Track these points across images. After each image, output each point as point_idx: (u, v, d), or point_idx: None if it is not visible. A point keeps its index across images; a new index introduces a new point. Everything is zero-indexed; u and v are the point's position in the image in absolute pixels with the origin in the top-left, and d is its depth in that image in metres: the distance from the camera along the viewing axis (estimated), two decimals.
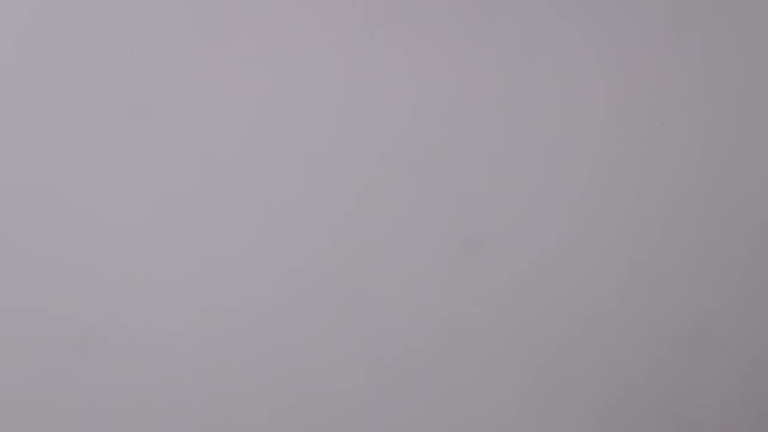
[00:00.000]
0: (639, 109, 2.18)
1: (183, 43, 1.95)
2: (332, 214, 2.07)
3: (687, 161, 2.21)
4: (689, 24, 2.18)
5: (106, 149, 1.93)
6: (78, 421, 1.99)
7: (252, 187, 2.02)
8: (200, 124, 1.98)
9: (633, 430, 2.28)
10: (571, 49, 2.13)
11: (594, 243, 2.20)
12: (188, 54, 1.95)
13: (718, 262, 2.26)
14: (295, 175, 2.04)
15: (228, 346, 2.06)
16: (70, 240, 1.94)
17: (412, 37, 2.06)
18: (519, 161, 2.14)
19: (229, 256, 2.03)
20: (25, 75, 1.88)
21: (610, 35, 2.14)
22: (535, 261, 2.18)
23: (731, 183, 2.24)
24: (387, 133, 2.08)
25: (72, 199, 1.93)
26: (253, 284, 2.05)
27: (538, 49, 2.12)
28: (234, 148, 2.00)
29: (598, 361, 2.24)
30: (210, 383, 2.06)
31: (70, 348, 1.97)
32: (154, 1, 1.92)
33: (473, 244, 2.15)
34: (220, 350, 2.05)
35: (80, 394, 1.99)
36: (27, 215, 1.91)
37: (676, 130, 2.20)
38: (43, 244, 1.93)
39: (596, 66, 2.15)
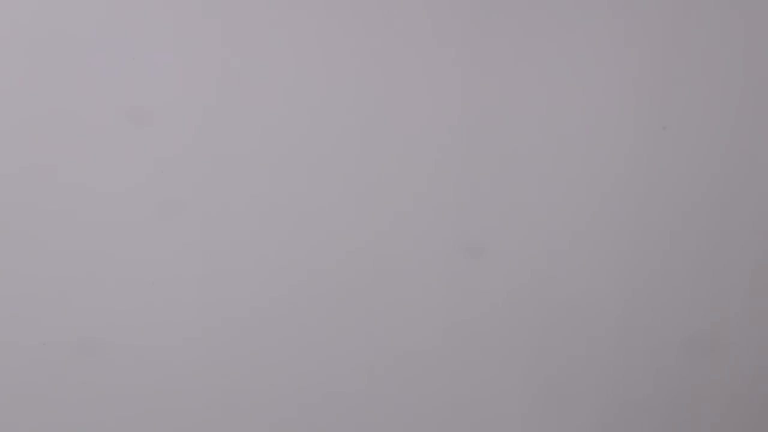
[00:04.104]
0: (640, 114, 2.18)
1: (184, 48, 1.95)
2: (335, 218, 2.07)
3: (688, 165, 2.21)
4: (689, 28, 2.18)
5: (107, 154, 1.94)
6: (79, 424, 1.99)
7: (254, 192, 2.03)
8: (201, 128, 1.98)
9: None
10: (572, 53, 2.14)
11: (597, 247, 2.20)
12: (190, 58, 1.96)
13: (721, 265, 2.26)
14: (298, 179, 2.04)
15: (230, 348, 2.06)
16: (71, 244, 1.94)
17: (414, 38, 2.06)
18: (521, 166, 2.14)
19: (231, 260, 2.03)
20: (27, 79, 1.88)
21: (611, 38, 2.14)
22: (537, 265, 2.18)
23: (733, 186, 2.24)
24: (389, 137, 2.08)
25: (73, 203, 1.93)
26: (254, 288, 2.05)
27: (540, 52, 2.12)
28: (235, 153, 2.00)
29: (601, 365, 2.24)
30: (212, 386, 2.06)
31: (72, 352, 1.97)
32: (156, 5, 1.93)
33: (477, 248, 2.15)
34: (222, 353, 2.05)
35: (82, 398, 1.99)
36: (28, 218, 1.92)
37: (677, 134, 2.20)
38: (45, 248, 1.94)
39: (598, 70, 2.15)
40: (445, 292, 2.15)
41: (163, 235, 1.99)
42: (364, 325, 2.12)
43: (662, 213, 2.21)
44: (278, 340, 2.08)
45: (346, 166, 2.06)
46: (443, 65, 2.08)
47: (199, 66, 1.96)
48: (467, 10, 2.08)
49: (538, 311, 2.19)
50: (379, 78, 2.06)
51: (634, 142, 2.18)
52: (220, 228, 2.02)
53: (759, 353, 2.30)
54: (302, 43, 2.01)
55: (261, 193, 2.03)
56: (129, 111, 1.94)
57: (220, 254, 2.02)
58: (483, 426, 2.21)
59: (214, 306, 2.03)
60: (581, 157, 2.17)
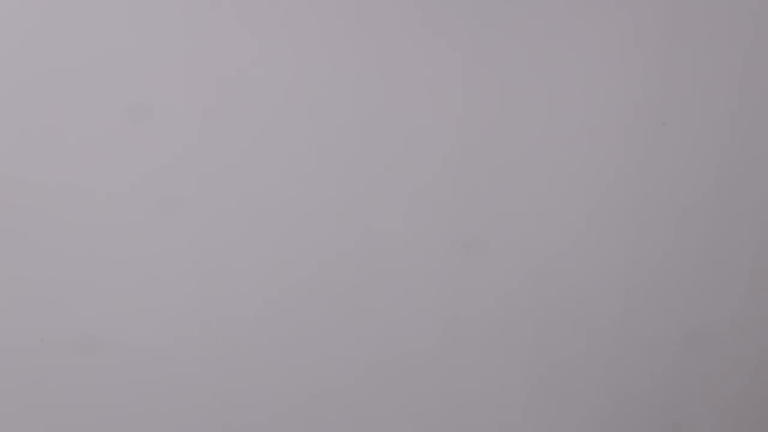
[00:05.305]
0: (639, 110, 2.18)
1: (184, 44, 1.95)
2: (334, 215, 2.07)
3: (688, 162, 2.21)
4: (689, 24, 2.18)
5: (106, 150, 1.93)
6: (77, 422, 1.99)
7: (253, 189, 2.02)
8: (201, 124, 1.98)
9: (635, 430, 2.28)
10: (571, 50, 2.13)
11: (596, 243, 2.21)
12: (189, 55, 1.95)
13: (720, 262, 2.26)
14: (296, 176, 2.04)
15: (229, 347, 2.06)
16: (70, 241, 1.94)
17: (413, 37, 2.06)
18: (520, 162, 2.14)
19: (230, 257, 2.03)
20: (25, 76, 1.88)
21: (610, 35, 2.14)
22: (536, 261, 2.19)
23: (732, 183, 2.24)
24: (389, 134, 2.08)
25: (72, 200, 1.93)
26: (253, 285, 2.05)
27: (539, 49, 2.12)
28: (235, 149, 2.00)
29: (600, 363, 2.24)
30: (211, 384, 2.06)
31: (70, 349, 1.97)
32: (156, 1, 1.92)
33: (475, 245, 2.16)
34: (220, 351, 2.05)
35: (80, 396, 1.99)
36: (27, 216, 1.91)
37: (677, 130, 2.20)
38: (43, 245, 1.93)
39: (597, 66, 2.15)
40: (443, 289, 2.15)
41: (160, 231, 1.99)
42: (362, 322, 2.12)
43: (661, 209, 2.22)
44: (276, 338, 2.08)
45: (345, 164, 2.06)
46: (443, 61, 2.08)
47: (199, 64, 1.96)
48: (467, 7, 2.07)
49: (538, 308, 2.20)
50: (380, 75, 2.05)
51: (634, 138, 2.18)
52: (218, 225, 2.02)
53: (758, 350, 2.30)
54: (303, 42, 2.01)
55: (260, 192, 2.03)
56: (128, 109, 1.93)
57: (220, 252, 2.02)
58: (481, 422, 2.21)
59: (213, 303, 2.04)
60: (580, 153, 2.17)
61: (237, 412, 2.08)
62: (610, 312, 2.23)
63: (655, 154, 2.20)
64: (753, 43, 2.21)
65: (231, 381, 2.07)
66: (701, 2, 2.17)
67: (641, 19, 2.15)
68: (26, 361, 1.95)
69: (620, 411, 2.27)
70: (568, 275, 2.20)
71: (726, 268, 2.26)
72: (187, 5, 1.94)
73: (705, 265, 2.25)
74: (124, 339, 2.00)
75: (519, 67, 2.11)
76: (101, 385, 2.00)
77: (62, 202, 1.93)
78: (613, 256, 2.21)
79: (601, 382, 2.25)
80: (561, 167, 2.16)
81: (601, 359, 2.24)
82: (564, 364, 2.22)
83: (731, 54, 2.19)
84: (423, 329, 2.15)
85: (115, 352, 2.00)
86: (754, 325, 2.29)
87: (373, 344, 2.13)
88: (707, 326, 2.28)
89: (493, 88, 2.10)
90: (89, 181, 1.93)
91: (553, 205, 2.17)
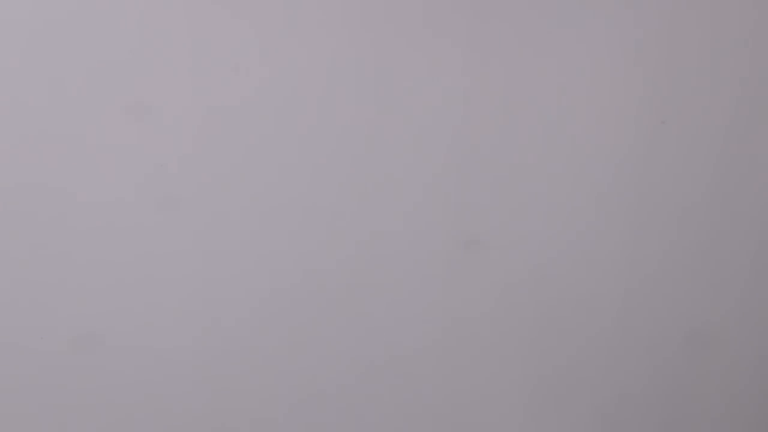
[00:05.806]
0: (639, 108, 2.18)
1: (184, 44, 1.95)
2: (334, 215, 2.07)
3: (687, 160, 2.21)
4: (689, 23, 2.18)
5: (106, 148, 1.93)
6: (77, 422, 1.99)
7: (253, 187, 2.02)
8: (201, 123, 1.98)
9: (635, 430, 2.28)
10: (571, 49, 2.13)
11: (595, 242, 2.20)
12: (189, 54, 1.95)
13: (720, 262, 2.26)
14: (297, 176, 2.04)
15: (228, 347, 2.05)
16: (70, 239, 1.94)
17: (414, 36, 2.06)
18: (520, 161, 2.14)
19: (230, 256, 2.03)
20: (25, 75, 1.88)
21: (610, 34, 2.14)
22: (536, 261, 2.18)
23: (731, 182, 2.24)
24: (389, 133, 2.07)
25: (72, 199, 1.93)
26: (253, 284, 2.05)
27: (538, 48, 2.12)
28: (235, 150, 2.00)
29: (600, 363, 2.24)
30: (210, 384, 2.06)
31: (70, 349, 1.97)
32: (155, 1, 1.92)
33: (475, 244, 2.15)
34: (220, 351, 2.05)
35: (79, 396, 1.99)
36: (27, 215, 1.91)
37: (676, 129, 2.20)
38: (44, 243, 1.93)
39: (596, 65, 2.15)
40: (443, 289, 2.15)
41: (161, 229, 1.99)
42: (362, 321, 2.12)
43: (661, 208, 2.21)
44: (277, 337, 2.08)
45: (345, 164, 2.06)
46: (443, 60, 2.08)
47: (199, 64, 1.96)
48: (468, 7, 2.07)
49: (537, 307, 2.19)
50: (380, 75, 2.05)
51: (633, 137, 2.18)
52: (218, 223, 2.01)
53: (758, 350, 2.30)
54: (303, 42, 2.00)
55: (260, 191, 2.03)
56: (128, 109, 1.93)
57: (220, 252, 2.02)
58: (481, 422, 2.21)
59: (213, 303, 2.03)
60: (579, 152, 2.17)
61: (236, 412, 2.08)
62: (610, 312, 2.23)
63: (655, 152, 2.19)
64: (753, 43, 2.21)
65: (230, 381, 2.06)
66: (701, 2, 2.17)
67: (641, 18, 2.15)
68: (26, 361, 1.95)
69: (620, 411, 2.26)
70: (568, 275, 2.20)
71: (726, 268, 2.26)
72: (188, 5, 1.93)
73: (705, 265, 2.25)
74: (124, 339, 1.99)
75: (519, 67, 2.11)
76: (101, 385, 2.00)
77: (62, 201, 1.92)
78: (612, 256, 2.21)
79: (601, 381, 2.24)
80: (560, 166, 2.16)
81: (601, 359, 2.24)
82: (564, 364, 2.22)
83: (731, 53, 2.19)
84: (423, 329, 2.15)
85: (115, 352, 1.99)
86: (754, 325, 2.29)
87: (373, 344, 2.13)
88: (707, 326, 2.28)
89: (493, 87, 2.10)
90: (89, 181, 1.93)
91: (552, 205, 2.17)
